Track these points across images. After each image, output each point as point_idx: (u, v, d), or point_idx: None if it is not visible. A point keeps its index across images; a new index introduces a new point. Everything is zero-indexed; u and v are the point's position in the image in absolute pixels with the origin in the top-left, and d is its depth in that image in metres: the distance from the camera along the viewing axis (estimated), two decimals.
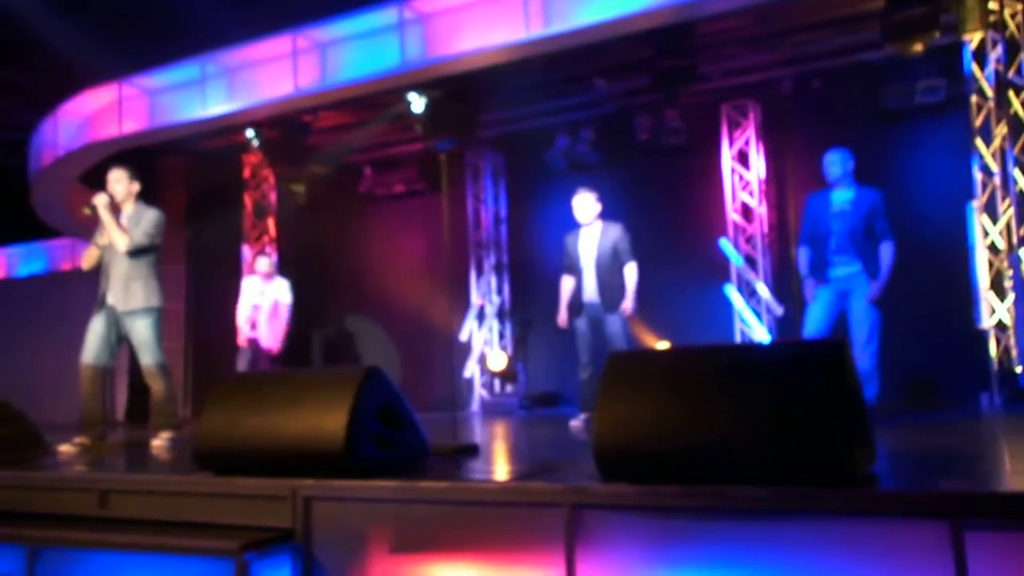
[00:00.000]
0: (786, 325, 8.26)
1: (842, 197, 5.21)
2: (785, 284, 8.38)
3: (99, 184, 5.23)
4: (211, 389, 3.34)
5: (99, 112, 8.77)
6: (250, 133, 9.12)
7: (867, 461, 2.37)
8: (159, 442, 4.95)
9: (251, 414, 3.14)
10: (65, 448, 4.72)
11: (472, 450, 3.76)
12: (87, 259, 5.11)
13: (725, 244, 8.52)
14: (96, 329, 4.99)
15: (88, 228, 5.43)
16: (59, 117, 8.97)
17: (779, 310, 8.29)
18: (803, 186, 5.37)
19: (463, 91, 7.76)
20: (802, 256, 5.35)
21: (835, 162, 5.25)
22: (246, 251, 10.15)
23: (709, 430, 2.37)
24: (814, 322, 5.17)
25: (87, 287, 5.18)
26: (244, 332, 7.84)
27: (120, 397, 10.27)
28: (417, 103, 8.01)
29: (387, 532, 2.74)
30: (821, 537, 2.19)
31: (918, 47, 6.62)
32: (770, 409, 2.30)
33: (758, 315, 8.41)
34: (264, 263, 7.97)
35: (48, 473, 3.66)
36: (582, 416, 5.78)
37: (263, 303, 7.86)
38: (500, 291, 9.96)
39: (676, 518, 2.35)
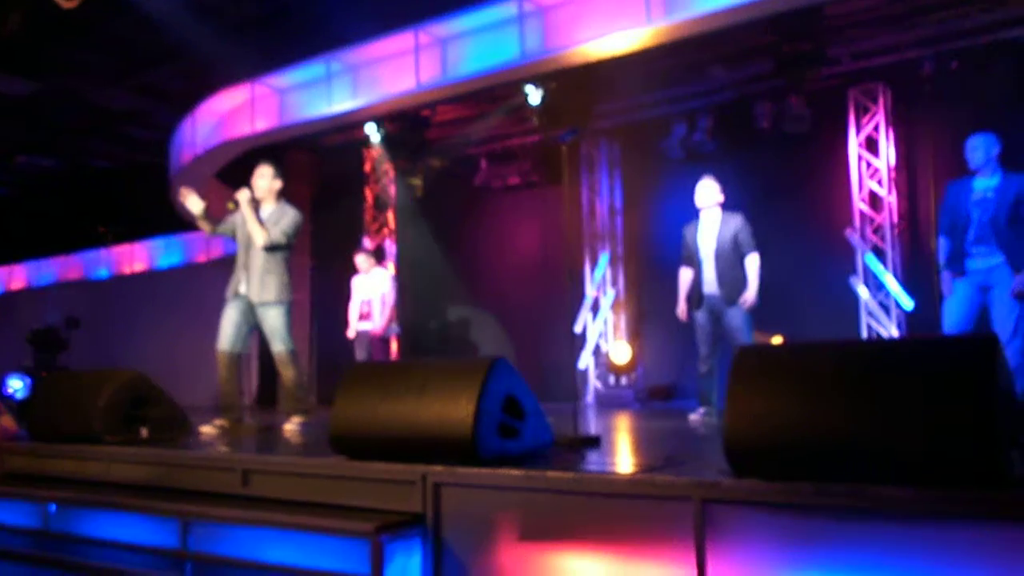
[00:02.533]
0: (917, 320, 7.87)
1: (985, 184, 4.93)
2: (916, 277, 7.99)
3: (234, 180, 5.49)
4: (343, 377, 3.47)
5: (233, 111, 9.22)
6: (371, 128, 9.39)
7: (1021, 464, 2.24)
8: (291, 426, 5.17)
9: (382, 401, 3.25)
10: (207, 429, 5.01)
11: (594, 441, 3.77)
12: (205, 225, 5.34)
13: (851, 235, 8.19)
14: (230, 317, 5.23)
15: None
16: (196, 117, 9.48)
17: (910, 304, 7.90)
18: (938, 173, 5.08)
19: (580, 82, 7.75)
20: (940, 247, 5.09)
21: (979, 147, 4.96)
22: (366, 243, 10.47)
23: (846, 427, 2.30)
24: (952, 317, 4.91)
25: (221, 278, 5.46)
26: (352, 326, 8.18)
27: (251, 382, 10.84)
28: (534, 95, 8.05)
29: (515, 520, 2.78)
30: (968, 543, 2.09)
31: None
32: (915, 406, 2.21)
33: (886, 309, 8.05)
34: (363, 260, 8.26)
35: (195, 452, 3.91)
36: (701, 410, 5.70)
37: (373, 296, 8.17)
38: (615, 283, 9.91)
39: (811, 517, 2.29)
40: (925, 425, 2.20)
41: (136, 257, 13.94)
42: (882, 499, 2.17)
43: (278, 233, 5.17)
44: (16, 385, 10.92)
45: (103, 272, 14.48)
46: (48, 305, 13.85)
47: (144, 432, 4.45)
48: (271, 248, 5.16)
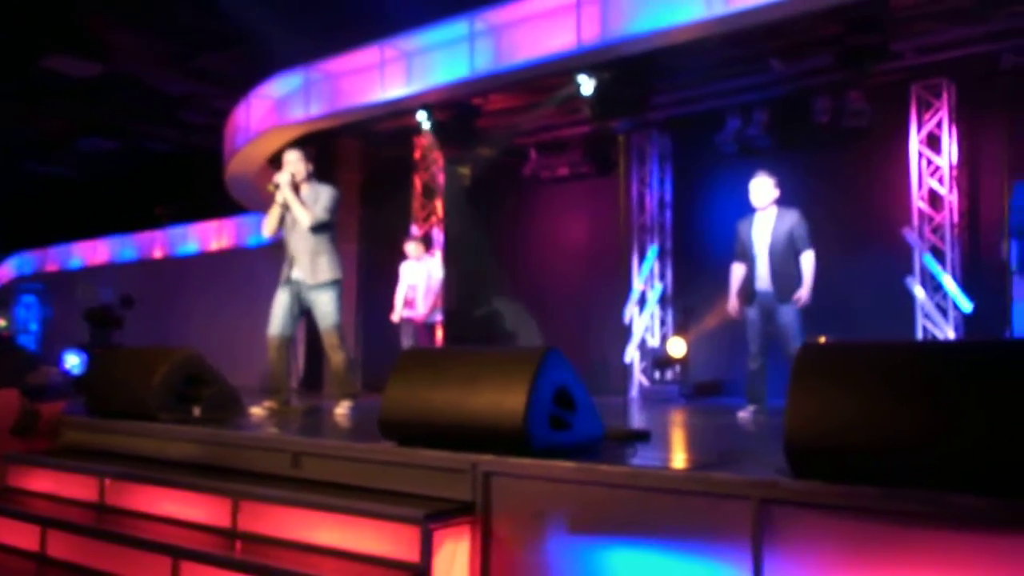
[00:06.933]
0: (975, 323, 7.64)
1: None
2: (976, 278, 7.75)
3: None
4: (395, 363, 3.47)
5: (287, 97, 9.29)
6: (422, 116, 9.40)
7: None
8: (340, 410, 5.21)
9: (433, 388, 3.24)
10: (256, 410, 5.07)
11: (644, 436, 3.72)
12: (267, 226, 5.42)
13: (909, 234, 7.97)
14: (281, 302, 5.30)
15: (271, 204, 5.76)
16: (251, 101, 9.57)
17: (968, 306, 7.67)
18: (1008, 172, 4.91)
19: (635, 72, 7.64)
20: (1013, 250, 4.92)
21: None
22: (414, 231, 10.50)
23: (918, 431, 2.21)
24: None
25: (270, 261, 5.51)
26: (397, 311, 8.25)
27: (298, 365, 10.96)
28: (587, 85, 7.96)
29: (565, 512, 2.75)
30: None
31: None
32: (995, 412, 2.12)
33: (943, 312, 7.83)
34: (413, 248, 8.33)
35: (246, 433, 3.94)
36: (750, 408, 5.61)
37: (418, 282, 8.21)
38: (663, 277, 9.80)
39: (876, 522, 2.22)
40: (997, 431, 2.11)
41: (189, 239, 14.19)
42: (954, 507, 2.09)
43: (321, 211, 5.24)
44: (73, 361, 11.21)
45: (157, 253, 14.77)
46: (104, 284, 14.16)
47: (196, 411, 4.51)
48: (317, 227, 5.22)
